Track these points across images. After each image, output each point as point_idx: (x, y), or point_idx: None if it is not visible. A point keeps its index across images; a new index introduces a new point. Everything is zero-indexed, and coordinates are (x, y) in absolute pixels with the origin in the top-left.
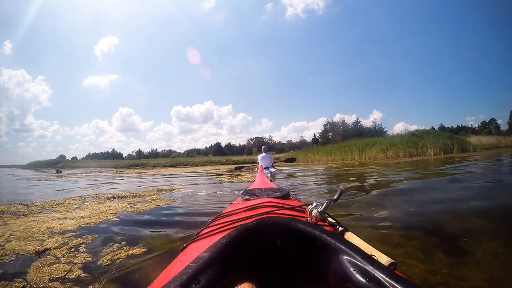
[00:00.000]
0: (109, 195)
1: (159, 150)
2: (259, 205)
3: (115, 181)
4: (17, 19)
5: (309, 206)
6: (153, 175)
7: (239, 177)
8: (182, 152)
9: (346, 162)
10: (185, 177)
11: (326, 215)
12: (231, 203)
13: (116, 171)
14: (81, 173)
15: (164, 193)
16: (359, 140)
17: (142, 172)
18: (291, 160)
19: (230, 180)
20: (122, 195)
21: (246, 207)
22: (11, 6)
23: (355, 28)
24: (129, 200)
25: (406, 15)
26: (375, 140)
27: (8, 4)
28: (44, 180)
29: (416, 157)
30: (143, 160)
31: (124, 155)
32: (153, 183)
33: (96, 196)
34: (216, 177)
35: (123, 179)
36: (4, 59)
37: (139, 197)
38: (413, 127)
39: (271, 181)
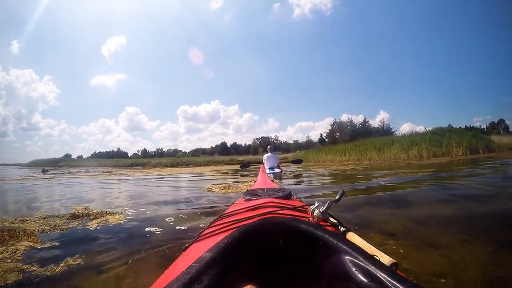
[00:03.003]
0: None
1: (165, 149)
2: (261, 205)
3: (81, 185)
4: (25, 19)
5: (311, 206)
6: (138, 177)
7: (241, 183)
8: (188, 151)
9: (366, 163)
10: (167, 180)
11: (328, 215)
12: (233, 203)
13: (103, 171)
14: (65, 173)
15: (74, 225)
16: (376, 139)
17: (134, 173)
18: (297, 161)
19: (223, 190)
20: None
21: (248, 207)
22: (19, 6)
23: (362, 29)
24: None
25: (412, 16)
26: (392, 138)
27: (15, 4)
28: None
29: (442, 158)
30: (146, 159)
31: (130, 154)
32: (111, 194)
33: None
34: (207, 181)
35: (93, 182)
36: (12, 59)
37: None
38: (419, 128)
39: (272, 181)
